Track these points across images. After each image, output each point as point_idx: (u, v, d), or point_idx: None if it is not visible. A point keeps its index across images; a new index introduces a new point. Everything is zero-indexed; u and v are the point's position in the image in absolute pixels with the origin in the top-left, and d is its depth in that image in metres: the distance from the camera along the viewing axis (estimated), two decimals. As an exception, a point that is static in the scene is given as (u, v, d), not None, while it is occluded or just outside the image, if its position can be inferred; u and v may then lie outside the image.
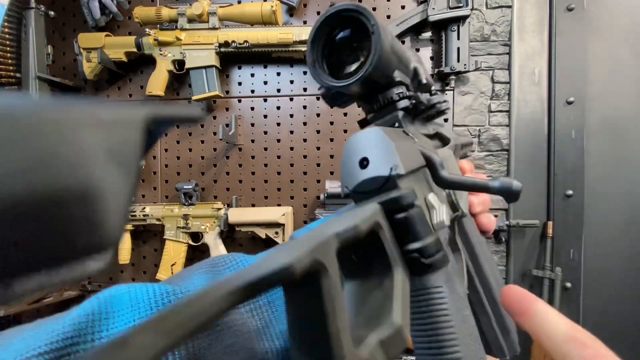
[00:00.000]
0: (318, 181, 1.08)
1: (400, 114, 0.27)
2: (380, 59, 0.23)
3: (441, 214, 0.22)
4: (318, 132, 1.07)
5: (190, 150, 1.13)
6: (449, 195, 0.28)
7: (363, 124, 0.30)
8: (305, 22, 1.07)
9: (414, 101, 0.27)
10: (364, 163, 0.20)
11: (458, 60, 0.96)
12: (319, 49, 0.26)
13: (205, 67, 1.02)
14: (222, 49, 1.01)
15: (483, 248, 0.35)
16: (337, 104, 0.28)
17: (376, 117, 0.29)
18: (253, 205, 1.10)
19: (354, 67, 0.26)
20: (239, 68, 1.10)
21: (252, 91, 1.10)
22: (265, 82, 1.09)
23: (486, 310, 0.32)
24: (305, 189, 1.09)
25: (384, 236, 0.16)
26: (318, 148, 1.08)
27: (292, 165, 1.09)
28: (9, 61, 1.04)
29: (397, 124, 0.28)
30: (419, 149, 0.24)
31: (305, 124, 1.08)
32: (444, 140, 0.40)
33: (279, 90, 1.09)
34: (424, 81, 0.30)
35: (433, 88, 0.35)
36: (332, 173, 1.07)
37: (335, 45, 0.26)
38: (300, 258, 0.11)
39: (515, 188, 0.21)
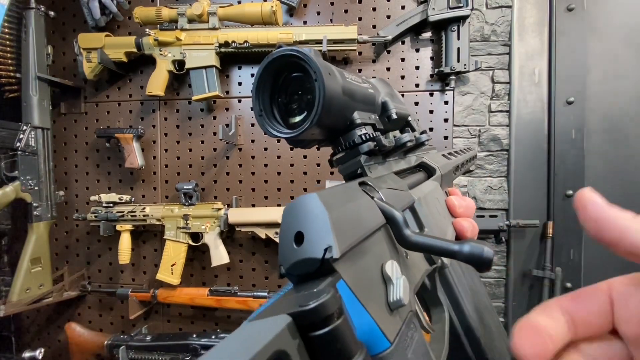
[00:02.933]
0: (318, 181, 1.08)
1: (363, 158, 0.25)
2: (328, 105, 0.21)
3: (398, 291, 0.18)
4: (318, 149, 1.07)
5: (190, 150, 1.13)
6: None
7: (331, 164, 0.28)
8: (305, 22, 1.07)
9: (376, 144, 0.25)
10: (298, 239, 0.17)
11: (458, 60, 0.96)
12: (266, 96, 0.24)
13: (205, 67, 1.02)
14: (222, 49, 1.01)
15: (473, 297, 0.31)
16: (299, 147, 0.26)
17: (340, 160, 0.27)
18: (253, 205, 1.10)
19: (301, 117, 0.24)
20: (239, 68, 1.10)
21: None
22: (265, 82, 1.09)
23: None
24: (305, 189, 1.08)
25: None
26: (318, 148, 1.07)
27: (292, 165, 1.09)
28: (9, 61, 1.04)
29: (359, 170, 0.26)
30: (378, 204, 0.21)
31: (305, 124, 1.08)
32: (429, 171, 0.37)
33: (279, 91, 1.09)
34: (394, 116, 0.28)
35: (410, 119, 0.33)
36: (332, 173, 1.07)
37: (284, 90, 0.24)
38: None
39: (486, 256, 0.19)
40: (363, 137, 0.25)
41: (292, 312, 0.13)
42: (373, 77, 0.31)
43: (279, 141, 1.09)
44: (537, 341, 0.17)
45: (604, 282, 0.19)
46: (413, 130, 0.34)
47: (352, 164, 0.26)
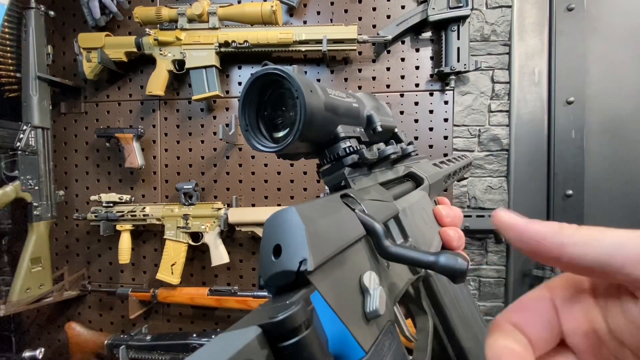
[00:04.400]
0: (318, 181, 1.08)
1: (347, 170, 0.26)
2: (310, 121, 0.22)
3: (374, 302, 0.19)
4: (306, 159, 1.07)
5: (190, 150, 1.13)
6: None
7: (318, 175, 0.29)
8: (305, 22, 1.07)
9: (359, 156, 0.26)
10: (277, 251, 0.17)
11: (458, 60, 0.96)
12: (252, 112, 0.25)
13: (205, 67, 1.02)
14: (222, 49, 1.01)
15: (460, 306, 0.31)
16: (287, 158, 0.27)
17: (326, 172, 0.28)
18: (253, 205, 1.10)
19: (284, 132, 0.25)
20: (239, 68, 1.10)
21: (252, 91, 1.10)
22: (265, 82, 1.09)
23: None
24: (305, 189, 1.09)
25: None
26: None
27: (292, 165, 1.09)
28: (9, 61, 1.04)
29: (343, 182, 0.27)
30: (358, 216, 0.22)
31: (305, 123, 1.08)
32: (417, 181, 0.38)
33: (279, 90, 1.09)
34: (379, 129, 0.29)
35: (396, 130, 0.34)
36: (332, 173, 1.07)
37: (269, 106, 0.25)
38: None
39: (459, 267, 0.19)
40: (347, 149, 0.26)
41: (261, 323, 0.14)
42: (359, 92, 0.32)
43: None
44: (511, 344, 0.17)
45: (544, 286, 0.18)
46: (400, 141, 0.34)
47: (336, 176, 0.27)
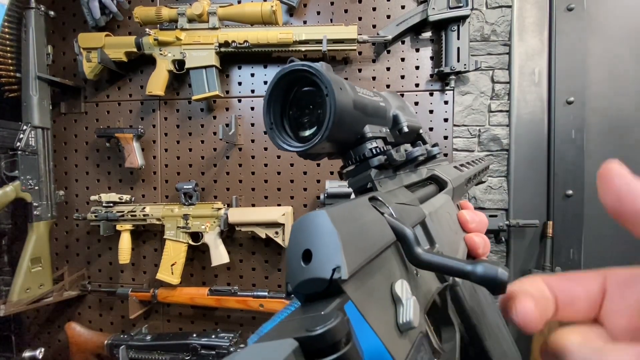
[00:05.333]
0: (318, 181, 1.08)
1: (374, 172, 0.25)
2: (339, 120, 0.21)
3: (408, 313, 0.18)
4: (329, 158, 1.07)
5: (190, 150, 1.13)
6: None
7: (340, 177, 0.28)
8: (305, 22, 1.07)
9: (387, 157, 0.25)
10: (306, 257, 0.16)
11: (458, 60, 0.96)
12: (277, 110, 0.24)
13: (205, 67, 1.02)
14: (222, 49, 1.01)
15: (485, 316, 0.30)
16: (309, 158, 0.26)
17: (350, 173, 0.27)
18: (253, 205, 1.10)
19: (311, 131, 0.24)
20: (239, 68, 1.10)
21: (252, 91, 1.10)
22: (265, 82, 1.09)
23: None
24: (305, 189, 1.09)
25: None
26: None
27: (292, 165, 1.09)
28: (9, 61, 1.04)
29: (369, 184, 0.25)
30: (388, 221, 0.21)
31: (305, 123, 1.08)
32: (440, 184, 0.37)
33: (279, 90, 1.09)
34: (405, 129, 0.28)
35: (421, 132, 0.33)
36: (332, 173, 1.07)
37: (295, 104, 0.24)
38: None
39: (500, 278, 0.18)
40: (373, 150, 0.25)
41: (298, 336, 0.13)
42: (385, 91, 0.31)
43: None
44: (537, 307, 0.18)
45: (599, 270, 0.19)
46: (424, 142, 0.33)
47: (362, 178, 0.26)
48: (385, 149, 0.26)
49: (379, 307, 0.17)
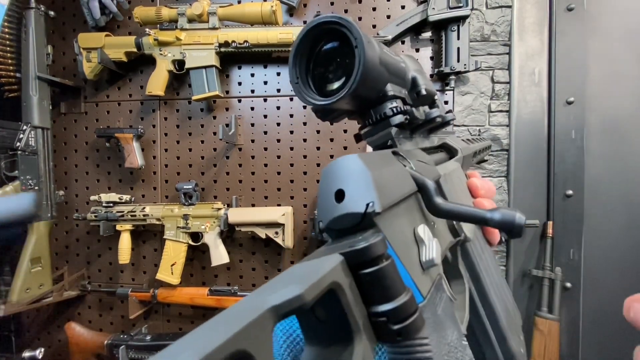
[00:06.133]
0: (318, 181, 1.08)
1: (394, 130, 0.26)
2: (366, 74, 0.22)
3: (431, 251, 0.19)
4: (318, 132, 1.07)
5: (190, 150, 1.13)
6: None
7: (357, 138, 0.29)
8: (305, 22, 1.07)
9: (408, 117, 0.26)
10: (339, 196, 0.17)
11: (458, 60, 0.96)
12: (303, 64, 0.24)
13: (205, 67, 1.02)
14: (222, 49, 1.01)
15: (491, 273, 0.32)
16: (328, 119, 0.26)
17: (369, 132, 0.27)
18: (253, 205, 1.10)
19: (339, 83, 0.24)
20: (239, 68, 1.10)
21: (252, 91, 1.10)
22: (265, 82, 1.09)
23: (491, 341, 0.29)
24: (305, 189, 1.08)
25: (345, 298, 0.14)
26: (318, 148, 1.08)
27: (292, 165, 1.09)
28: (9, 61, 1.04)
29: (389, 142, 0.26)
30: (410, 172, 0.22)
31: (305, 124, 1.08)
32: (451, 152, 0.38)
33: (279, 90, 1.09)
34: (424, 92, 0.29)
35: (436, 97, 0.33)
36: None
37: (320, 59, 0.24)
38: (217, 352, 0.08)
39: (518, 221, 0.19)
40: (394, 109, 0.25)
41: (343, 251, 0.14)
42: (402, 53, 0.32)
43: (279, 141, 1.09)
44: None
45: None
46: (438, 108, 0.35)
47: (382, 136, 0.26)
48: (405, 108, 0.26)
49: (405, 244, 0.19)
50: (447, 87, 1.02)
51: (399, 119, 0.26)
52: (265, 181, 1.10)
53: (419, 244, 0.20)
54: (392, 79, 0.26)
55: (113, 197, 1.09)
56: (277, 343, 0.29)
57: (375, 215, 0.16)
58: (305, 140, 1.08)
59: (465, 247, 0.29)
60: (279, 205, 1.09)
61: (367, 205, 0.16)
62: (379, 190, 0.17)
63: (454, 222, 0.26)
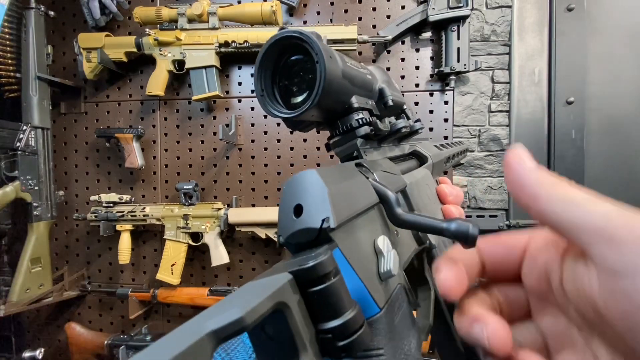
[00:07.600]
0: (318, 181, 1.07)
1: (360, 141, 0.27)
2: (328, 87, 0.22)
3: (388, 263, 0.20)
4: (318, 132, 1.07)
5: (190, 150, 1.13)
6: None
7: (328, 148, 0.29)
8: (305, 22, 1.07)
9: (373, 128, 0.26)
10: (298, 211, 0.18)
11: (458, 60, 0.96)
12: (268, 77, 0.25)
13: (205, 67, 1.02)
14: (222, 49, 1.01)
15: None
16: (297, 129, 0.27)
17: (337, 143, 0.28)
18: (253, 205, 1.10)
19: (302, 96, 0.25)
20: (239, 68, 1.10)
21: (252, 91, 1.10)
22: (265, 82, 1.09)
23: (457, 346, 0.30)
24: (305, 189, 1.08)
25: (291, 317, 0.14)
26: (318, 148, 1.08)
27: (292, 165, 1.09)
28: (9, 61, 1.04)
29: (355, 153, 0.27)
30: (372, 184, 0.22)
31: (305, 124, 1.08)
32: (421, 159, 0.39)
33: (279, 90, 1.09)
34: (390, 103, 0.29)
35: (405, 106, 0.34)
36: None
37: (285, 73, 0.25)
38: None
39: (472, 232, 0.19)
40: (360, 121, 0.26)
41: (292, 270, 0.15)
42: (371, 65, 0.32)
43: (279, 141, 1.09)
44: (456, 272, 0.19)
45: (526, 233, 0.21)
46: (408, 118, 0.35)
47: (348, 147, 0.27)
48: (371, 120, 0.27)
49: (362, 256, 0.19)
50: (447, 87, 1.02)
51: (365, 130, 0.26)
52: (265, 181, 1.10)
53: (378, 256, 0.20)
54: (358, 90, 0.26)
55: (113, 197, 1.09)
56: (247, 352, 0.30)
57: (330, 231, 0.17)
58: (305, 140, 1.08)
59: (431, 254, 0.30)
60: (278, 205, 1.08)
61: (323, 220, 0.17)
62: (334, 205, 0.17)
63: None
